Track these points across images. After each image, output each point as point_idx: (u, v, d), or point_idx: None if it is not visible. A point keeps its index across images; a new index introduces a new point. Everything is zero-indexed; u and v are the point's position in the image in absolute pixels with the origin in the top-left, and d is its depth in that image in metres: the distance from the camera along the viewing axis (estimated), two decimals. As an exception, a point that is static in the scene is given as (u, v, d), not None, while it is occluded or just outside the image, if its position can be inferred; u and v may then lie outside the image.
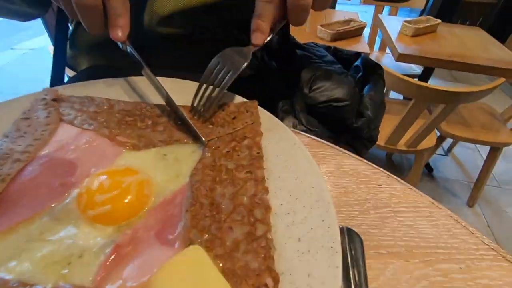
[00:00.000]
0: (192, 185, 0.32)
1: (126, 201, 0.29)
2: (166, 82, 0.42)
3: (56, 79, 0.68)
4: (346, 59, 0.76)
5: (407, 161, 2.16)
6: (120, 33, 0.39)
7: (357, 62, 0.73)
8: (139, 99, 0.44)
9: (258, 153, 0.36)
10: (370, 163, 0.41)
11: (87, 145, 0.36)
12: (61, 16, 0.66)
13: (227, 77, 0.39)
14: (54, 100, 0.41)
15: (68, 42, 0.69)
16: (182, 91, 0.43)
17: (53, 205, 0.30)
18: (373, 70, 0.72)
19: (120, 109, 0.41)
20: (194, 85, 0.42)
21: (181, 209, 0.30)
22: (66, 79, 0.72)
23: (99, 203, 0.29)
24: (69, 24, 0.69)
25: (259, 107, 0.43)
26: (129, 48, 0.41)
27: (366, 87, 0.69)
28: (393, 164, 2.15)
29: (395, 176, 0.39)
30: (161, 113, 0.42)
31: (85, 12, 0.37)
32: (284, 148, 0.37)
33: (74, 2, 0.36)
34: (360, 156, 0.69)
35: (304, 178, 0.33)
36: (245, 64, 0.39)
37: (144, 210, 0.30)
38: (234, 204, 0.31)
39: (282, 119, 0.51)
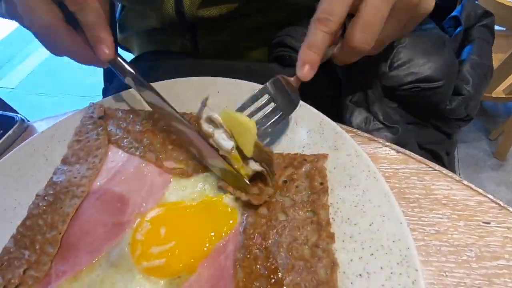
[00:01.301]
0: (245, 228, 0.28)
1: (181, 256, 0.27)
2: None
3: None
4: (439, 7, 0.57)
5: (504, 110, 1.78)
6: (106, 49, 0.33)
7: (456, 11, 0.55)
8: (183, 105, 0.39)
9: (321, 183, 0.30)
10: (472, 186, 0.31)
11: (136, 174, 0.34)
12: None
13: (275, 119, 0.33)
14: (101, 118, 0.39)
15: (117, 26, 0.66)
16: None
17: (109, 249, 0.29)
18: (478, 21, 0.54)
19: (164, 125, 0.37)
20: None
21: (234, 261, 0.27)
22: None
23: (154, 255, 0.27)
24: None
25: (314, 110, 0.35)
26: (127, 68, 0.35)
27: (467, 48, 0.52)
28: (485, 110, 1.80)
29: (510, 208, 0.29)
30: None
31: (47, 37, 0.31)
32: (354, 177, 0.30)
33: (28, 27, 0.31)
34: (451, 136, 0.57)
35: (381, 225, 0.26)
36: (295, 110, 0.34)
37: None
38: (292, 257, 0.26)
39: (351, 114, 0.41)
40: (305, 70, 0.31)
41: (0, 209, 0.34)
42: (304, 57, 0.32)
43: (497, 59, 1.31)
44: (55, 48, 0.33)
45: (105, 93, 0.67)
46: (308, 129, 0.34)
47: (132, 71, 0.36)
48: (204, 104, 0.32)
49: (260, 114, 0.33)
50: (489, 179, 1.58)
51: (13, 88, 3.01)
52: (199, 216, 0.30)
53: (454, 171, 0.60)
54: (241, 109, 0.33)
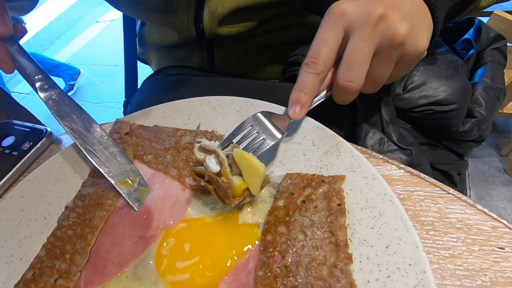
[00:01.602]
0: (265, 247, 0.30)
1: (204, 271, 0.29)
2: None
3: (130, 80, 0.70)
4: (452, 29, 0.59)
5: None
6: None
7: (468, 34, 0.56)
8: (203, 123, 0.41)
9: (339, 205, 0.31)
10: (486, 210, 0.32)
11: (160, 190, 0.35)
12: (127, 18, 0.65)
13: (263, 145, 0.35)
14: (126, 133, 0.41)
15: (137, 41, 0.69)
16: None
17: (135, 263, 0.31)
18: (490, 44, 0.55)
19: (186, 142, 0.39)
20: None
21: (255, 278, 0.28)
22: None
23: (179, 270, 0.29)
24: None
25: (330, 132, 0.36)
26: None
27: (480, 71, 0.53)
28: (496, 126, 1.79)
29: (524, 234, 0.29)
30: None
31: None
32: (371, 199, 0.31)
33: None
34: (463, 156, 0.57)
35: (398, 247, 0.27)
36: (282, 137, 0.35)
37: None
38: (312, 277, 0.27)
39: (365, 135, 0.43)
40: (296, 110, 0.34)
41: (31, 219, 0.36)
42: (294, 98, 0.34)
43: (507, 76, 1.32)
44: None
45: (126, 106, 0.70)
46: (325, 151, 0.35)
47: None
48: (197, 133, 0.36)
49: (246, 142, 0.35)
50: (500, 195, 1.56)
51: (28, 94, 3.10)
52: (221, 232, 0.31)
53: (465, 190, 0.61)
54: (231, 136, 0.36)
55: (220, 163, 0.31)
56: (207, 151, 0.33)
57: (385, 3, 0.31)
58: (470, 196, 1.65)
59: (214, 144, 0.33)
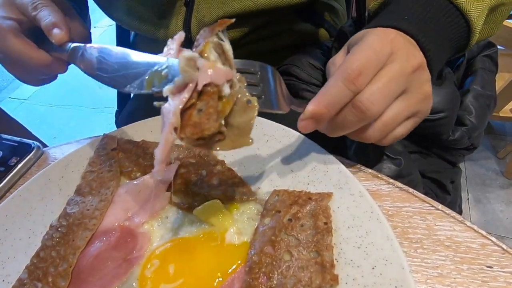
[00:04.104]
0: (250, 268, 0.29)
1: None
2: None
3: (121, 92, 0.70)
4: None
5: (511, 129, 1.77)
6: (57, 30, 0.36)
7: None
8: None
9: (325, 223, 0.30)
10: (475, 227, 0.31)
11: (146, 208, 0.35)
12: (120, 29, 0.65)
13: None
14: (113, 149, 0.40)
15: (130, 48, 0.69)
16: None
17: (118, 285, 0.30)
18: (481, 51, 0.55)
19: (174, 157, 0.39)
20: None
21: (239, 301, 0.28)
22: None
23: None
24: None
25: (318, 147, 0.36)
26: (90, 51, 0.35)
27: (470, 78, 0.53)
28: (492, 128, 1.79)
29: (513, 252, 0.29)
30: (216, 159, 0.38)
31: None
32: (358, 217, 0.30)
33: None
34: (455, 164, 0.57)
35: (384, 268, 0.27)
36: (279, 111, 0.31)
37: (202, 300, 0.28)
38: (297, 300, 0.27)
39: (354, 145, 0.42)
40: (308, 126, 0.29)
41: (15, 239, 0.36)
42: (313, 111, 0.28)
43: (503, 79, 1.32)
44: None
45: (118, 116, 0.70)
46: (312, 166, 0.35)
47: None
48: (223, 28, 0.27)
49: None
50: (498, 198, 1.56)
51: (25, 99, 3.09)
52: (206, 253, 0.31)
53: (459, 198, 0.60)
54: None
55: (231, 86, 0.26)
56: (222, 57, 0.27)
57: (422, 59, 0.31)
58: (468, 200, 1.63)
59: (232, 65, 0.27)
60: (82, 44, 0.36)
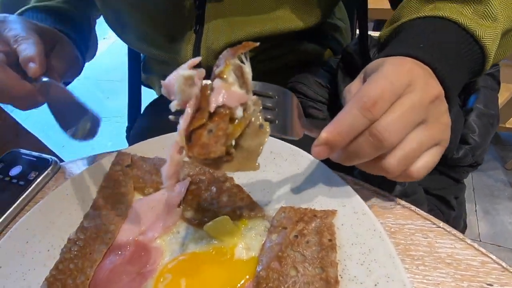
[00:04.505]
0: (258, 283, 0.30)
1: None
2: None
3: (133, 106, 0.72)
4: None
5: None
6: (32, 64, 0.37)
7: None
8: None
9: (330, 240, 0.32)
10: (475, 245, 0.32)
11: (158, 223, 0.37)
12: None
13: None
14: (128, 166, 0.43)
15: (141, 67, 0.72)
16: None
17: (132, 298, 0.32)
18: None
19: (185, 174, 0.41)
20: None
21: (248, 315, 0.29)
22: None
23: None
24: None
25: (323, 165, 0.37)
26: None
27: (473, 97, 0.54)
28: (499, 138, 1.78)
29: (514, 270, 0.30)
30: (226, 176, 0.40)
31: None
32: (361, 235, 0.32)
33: None
34: (459, 180, 0.57)
35: (386, 286, 0.28)
36: (291, 137, 0.31)
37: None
38: (303, 314, 0.28)
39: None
40: (322, 153, 0.28)
41: (35, 251, 0.38)
42: (327, 139, 0.27)
43: (508, 90, 1.32)
44: None
45: (129, 131, 0.72)
46: (317, 184, 0.37)
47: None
48: (245, 51, 0.27)
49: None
50: (506, 209, 1.54)
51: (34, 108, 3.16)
52: (216, 267, 0.32)
53: (464, 213, 0.61)
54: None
55: (244, 110, 0.27)
56: (240, 81, 0.27)
57: (440, 89, 0.30)
58: (476, 211, 1.61)
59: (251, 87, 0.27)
60: (49, 81, 0.39)
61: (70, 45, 0.49)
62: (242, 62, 0.27)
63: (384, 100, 0.27)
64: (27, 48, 0.38)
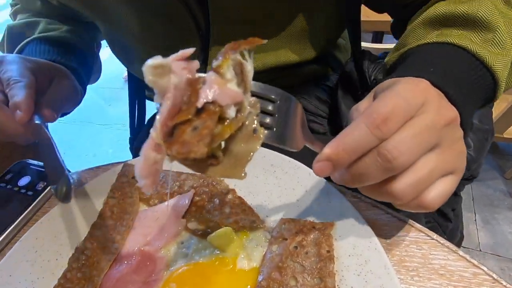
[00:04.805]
0: (259, 292, 0.32)
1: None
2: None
3: (134, 117, 0.74)
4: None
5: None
6: (19, 111, 0.38)
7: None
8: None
9: (328, 251, 0.33)
10: (467, 257, 0.34)
11: (163, 233, 0.38)
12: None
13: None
14: (133, 177, 0.44)
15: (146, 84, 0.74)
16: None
17: (138, 307, 0.33)
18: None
19: (189, 186, 0.42)
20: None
21: (249, 324, 0.30)
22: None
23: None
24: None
25: (323, 180, 0.39)
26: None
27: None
28: (498, 148, 1.79)
29: (503, 282, 0.31)
30: (228, 188, 0.42)
31: None
32: (358, 246, 0.33)
33: None
34: (456, 193, 0.59)
35: (382, 296, 0.29)
36: (289, 148, 0.28)
37: (215, 322, 0.31)
38: (302, 324, 0.29)
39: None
40: (324, 170, 0.25)
41: (44, 260, 0.39)
42: (330, 154, 0.25)
43: (506, 100, 1.34)
44: None
45: (132, 143, 0.74)
46: (316, 197, 0.38)
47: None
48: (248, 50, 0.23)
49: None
50: (506, 219, 1.54)
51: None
52: (219, 277, 0.34)
53: (461, 224, 0.62)
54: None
55: (238, 110, 0.24)
56: (239, 78, 0.24)
57: (456, 113, 0.28)
58: (475, 221, 1.61)
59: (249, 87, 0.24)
60: (39, 124, 0.41)
61: (69, 77, 0.49)
62: (244, 58, 0.24)
63: (396, 118, 0.24)
64: (16, 94, 0.39)
